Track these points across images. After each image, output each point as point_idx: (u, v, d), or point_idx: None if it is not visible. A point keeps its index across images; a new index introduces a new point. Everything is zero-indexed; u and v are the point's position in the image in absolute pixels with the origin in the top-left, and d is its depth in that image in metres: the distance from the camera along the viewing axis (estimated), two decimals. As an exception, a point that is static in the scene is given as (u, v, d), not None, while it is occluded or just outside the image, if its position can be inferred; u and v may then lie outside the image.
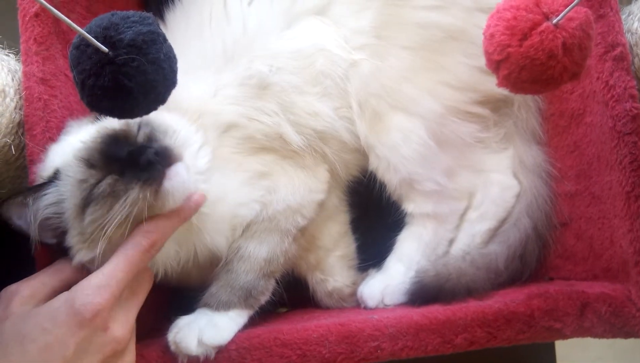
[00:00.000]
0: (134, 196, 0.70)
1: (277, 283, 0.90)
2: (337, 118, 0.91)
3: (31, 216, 0.73)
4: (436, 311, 0.78)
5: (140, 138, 0.76)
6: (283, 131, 0.89)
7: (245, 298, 0.84)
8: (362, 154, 0.94)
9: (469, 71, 0.88)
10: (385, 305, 0.90)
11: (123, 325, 0.70)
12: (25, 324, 0.65)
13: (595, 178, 0.84)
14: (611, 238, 0.81)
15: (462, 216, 0.95)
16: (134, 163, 0.72)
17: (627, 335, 0.77)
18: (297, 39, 0.91)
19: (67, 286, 0.70)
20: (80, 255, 0.73)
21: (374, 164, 0.93)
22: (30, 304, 0.68)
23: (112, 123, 0.78)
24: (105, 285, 0.67)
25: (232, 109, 0.88)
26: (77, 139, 0.77)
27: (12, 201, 0.73)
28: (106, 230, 0.70)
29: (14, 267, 0.79)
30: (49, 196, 0.74)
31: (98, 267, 0.71)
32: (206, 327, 0.78)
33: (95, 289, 0.67)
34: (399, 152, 0.89)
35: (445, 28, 0.88)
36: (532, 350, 1.13)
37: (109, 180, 0.72)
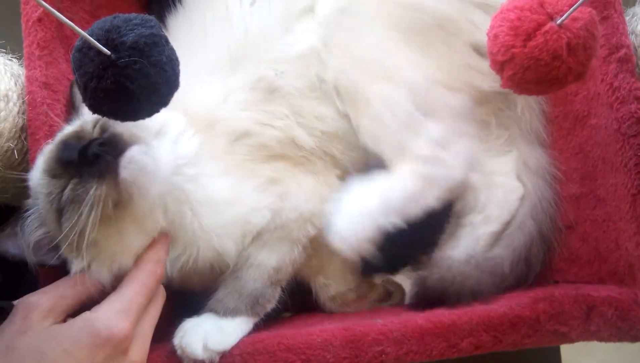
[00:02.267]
0: (95, 194, 0.68)
1: (281, 289, 0.90)
2: (339, 118, 0.91)
3: (23, 244, 0.73)
4: (441, 315, 0.78)
5: (95, 133, 0.74)
6: (295, 135, 0.89)
7: (252, 305, 0.83)
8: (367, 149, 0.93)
9: (453, 61, 0.87)
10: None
11: (140, 348, 0.70)
12: (45, 343, 0.64)
13: (600, 181, 0.83)
14: (617, 241, 0.80)
15: (451, 188, 0.89)
16: (87, 162, 0.70)
17: (633, 339, 0.76)
18: (295, 45, 0.90)
19: (86, 299, 0.70)
20: (76, 265, 0.72)
21: (363, 138, 0.89)
22: (50, 318, 0.67)
23: (69, 127, 0.77)
24: (128, 310, 0.68)
25: (244, 115, 0.88)
26: (44, 152, 0.76)
27: (2, 235, 0.73)
28: (85, 235, 0.68)
29: (16, 272, 0.79)
30: (33, 219, 0.74)
31: (99, 277, 0.72)
32: (212, 332, 0.78)
33: (118, 313, 0.67)
34: (384, 122, 0.86)
35: (437, 15, 0.86)
36: (537, 354, 1.12)
37: (70, 186, 0.70)
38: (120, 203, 0.70)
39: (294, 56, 0.90)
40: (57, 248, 0.73)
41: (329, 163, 0.92)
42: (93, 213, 0.68)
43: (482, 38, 0.82)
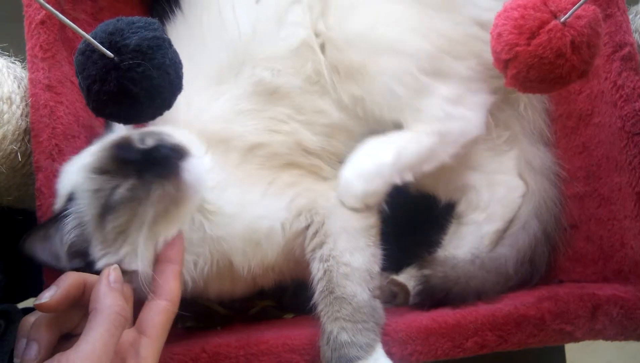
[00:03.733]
0: (158, 193, 0.71)
1: (283, 288, 0.90)
2: (338, 110, 0.90)
3: (58, 246, 0.72)
4: (446, 315, 0.78)
5: (149, 142, 0.76)
6: (301, 137, 0.89)
7: (375, 326, 0.76)
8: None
9: (458, 32, 0.86)
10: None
11: None
12: None
13: (605, 179, 0.83)
14: (622, 240, 0.80)
15: (466, 143, 0.89)
16: (149, 163, 0.72)
17: (639, 338, 0.76)
18: (288, 38, 0.89)
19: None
20: (104, 261, 0.72)
21: (368, 109, 0.88)
22: None
23: (111, 135, 0.78)
24: None
25: (254, 126, 0.88)
26: (83, 158, 0.77)
27: (34, 236, 0.71)
28: (133, 232, 0.70)
29: (20, 274, 0.79)
30: (70, 220, 0.73)
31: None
32: None
33: None
34: (394, 92, 0.86)
35: None
36: (542, 354, 1.12)
37: (127, 185, 0.71)
38: (173, 205, 0.73)
39: (288, 50, 0.89)
40: (84, 252, 0.73)
41: (338, 169, 0.91)
42: (152, 212, 0.70)
43: (483, 14, 0.83)
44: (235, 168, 0.86)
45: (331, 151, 0.91)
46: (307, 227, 0.86)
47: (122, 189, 0.71)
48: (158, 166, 0.72)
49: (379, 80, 0.86)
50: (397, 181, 0.87)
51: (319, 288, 0.81)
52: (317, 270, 0.82)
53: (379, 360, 0.73)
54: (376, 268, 0.84)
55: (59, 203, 0.77)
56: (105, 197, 0.71)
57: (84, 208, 0.73)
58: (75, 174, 0.76)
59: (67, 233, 0.73)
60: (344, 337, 0.74)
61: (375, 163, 0.86)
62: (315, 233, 0.85)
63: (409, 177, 0.87)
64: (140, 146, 0.76)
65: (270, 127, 0.88)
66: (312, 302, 0.81)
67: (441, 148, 0.88)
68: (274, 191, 0.86)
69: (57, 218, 0.73)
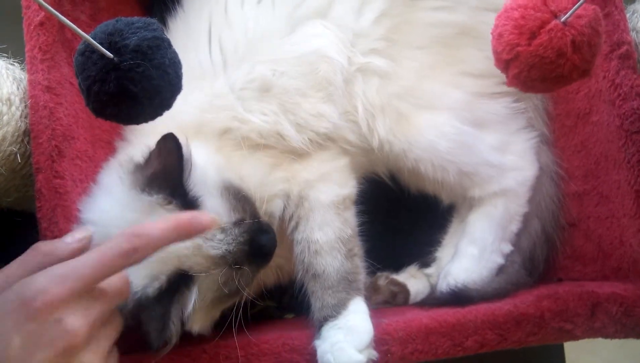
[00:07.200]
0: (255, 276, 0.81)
1: (283, 289, 0.90)
2: (342, 121, 0.90)
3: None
4: (445, 314, 0.78)
5: (247, 213, 0.81)
6: (280, 128, 0.88)
7: (348, 286, 0.82)
8: (367, 154, 0.93)
9: (486, 60, 0.86)
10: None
11: (81, 317, 0.59)
12: None
13: (603, 177, 0.83)
14: (621, 238, 0.80)
15: (531, 186, 0.92)
16: (255, 250, 0.79)
17: (639, 335, 0.76)
18: (299, 45, 0.90)
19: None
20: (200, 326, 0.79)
21: (410, 166, 0.90)
22: None
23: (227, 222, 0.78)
24: (65, 277, 0.58)
25: (224, 115, 0.88)
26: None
27: (154, 314, 0.72)
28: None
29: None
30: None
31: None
32: (348, 337, 0.76)
33: (52, 278, 0.57)
34: (438, 149, 0.87)
35: (456, 24, 0.88)
36: (541, 354, 1.13)
37: (248, 272, 0.78)
38: None
39: (297, 56, 0.89)
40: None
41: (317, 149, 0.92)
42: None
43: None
44: (216, 153, 0.86)
45: (321, 145, 0.91)
46: (284, 210, 0.89)
47: (245, 276, 0.78)
48: (261, 252, 0.79)
49: (423, 134, 0.88)
50: (501, 259, 0.90)
51: (300, 269, 0.85)
52: (296, 253, 0.86)
53: (348, 316, 0.78)
54: (348, 231, 0.86)
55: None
56: (232, 284, 0.76)
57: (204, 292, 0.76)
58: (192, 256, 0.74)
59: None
60: (317, 304, 0.82)
61: (477, 259, 0.90)
62: (291, 216, 0.88)
63: (508, 248, 0.91)
64: (249, 218, 0.80)
65: (244, 118, 0.88)
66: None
67: (512, 205, 0.91)
68: (265, 176, 0.88)
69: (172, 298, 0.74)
